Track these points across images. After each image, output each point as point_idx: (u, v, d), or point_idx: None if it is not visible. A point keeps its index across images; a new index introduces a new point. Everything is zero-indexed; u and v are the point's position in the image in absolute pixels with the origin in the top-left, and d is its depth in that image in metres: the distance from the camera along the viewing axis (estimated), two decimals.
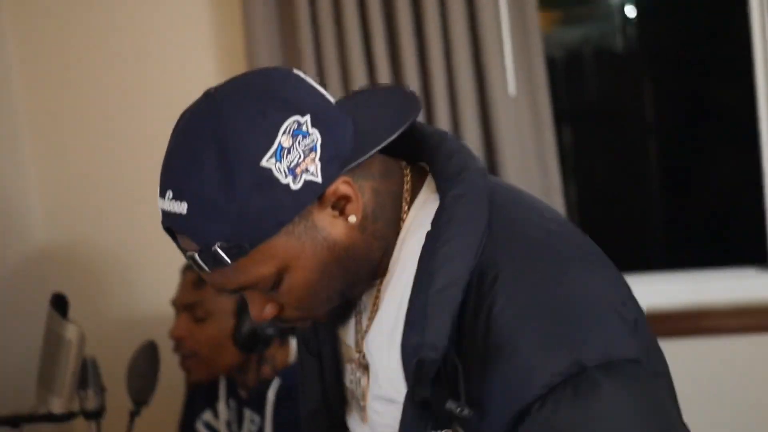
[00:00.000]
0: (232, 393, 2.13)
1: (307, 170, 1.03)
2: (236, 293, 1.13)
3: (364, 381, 1.18)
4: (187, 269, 2.11)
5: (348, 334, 1.23)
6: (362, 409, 1.19)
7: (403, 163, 1.16)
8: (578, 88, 3.16)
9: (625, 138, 3.21)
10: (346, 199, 1.07)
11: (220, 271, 1.07)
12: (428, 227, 1.09)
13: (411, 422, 1.06)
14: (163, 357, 1.93)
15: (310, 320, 1.18)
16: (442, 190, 1.10)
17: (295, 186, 1.03)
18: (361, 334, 1.19)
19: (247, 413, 2.08)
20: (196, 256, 1.07)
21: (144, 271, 2.69)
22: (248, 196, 1.02)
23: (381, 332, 1.13)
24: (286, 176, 1.02)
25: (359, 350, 1.19)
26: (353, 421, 1.25)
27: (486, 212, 1.08)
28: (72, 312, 1.75)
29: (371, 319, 1.16)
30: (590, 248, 1.12)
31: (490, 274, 1.04)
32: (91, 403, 1.80)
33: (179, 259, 2.08)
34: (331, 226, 1.08)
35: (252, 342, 2.02)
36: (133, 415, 1.82)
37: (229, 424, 2.12)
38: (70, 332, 1.72)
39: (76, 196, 2.72)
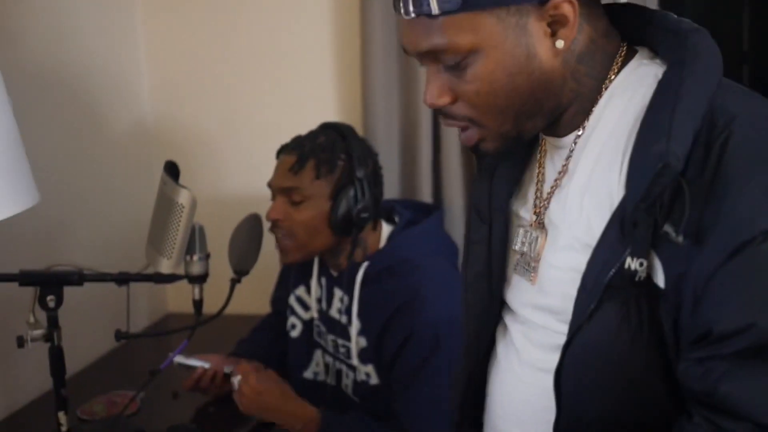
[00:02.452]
0: (324, 272, 2.19)
1: None
2: (423, 60, 1.15)
3: (541, 241, 1.21)
4: (282, 152, 2.16)
5: (523, 205, 1.28)
6: (532, 270, 1.22)
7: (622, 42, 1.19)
8: (678, 11, 3.12)
9: None
10: (563, 21, 1.10)
11: (422, 23, 1.10)
12: (639, 91, 1.12)
13: (609, 247, 1.07)
14: (266, 232, 2.00)
15: (474, 132, 1.17)
16: (676, 37, 1.12)
17: None
18: (540, 200, 1.23)
19: (337, 292, 2.14)
20: None
21: (243, 151, 2.76)
22: None
23: (575, 186, 1.16)
24: None
25: (538, 212, 1.23)
26: (515, 286, 1.28)
27: (721, 66, 1.10)
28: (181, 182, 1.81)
29: (562, 175, 1.20)
30: None
31: (725, 116, 1.04)
32: (196, 268, 1.88)
33: (280, 139, 2.16)
34: (538, 41, 1.10)
35: (346, 226, 2.05)
36: (234, 282, 1.89)
37: (319, 301, 2.19)
38: (183, 197, 1.78)
39: (181, 74, 2.79)
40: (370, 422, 1.98)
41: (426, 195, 2.57)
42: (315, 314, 2.20)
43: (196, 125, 2.79)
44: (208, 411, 2.13)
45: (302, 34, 2.67)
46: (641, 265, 1.04)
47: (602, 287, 1.06)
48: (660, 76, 1.12)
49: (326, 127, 2.14)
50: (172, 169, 1.86)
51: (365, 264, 2.08)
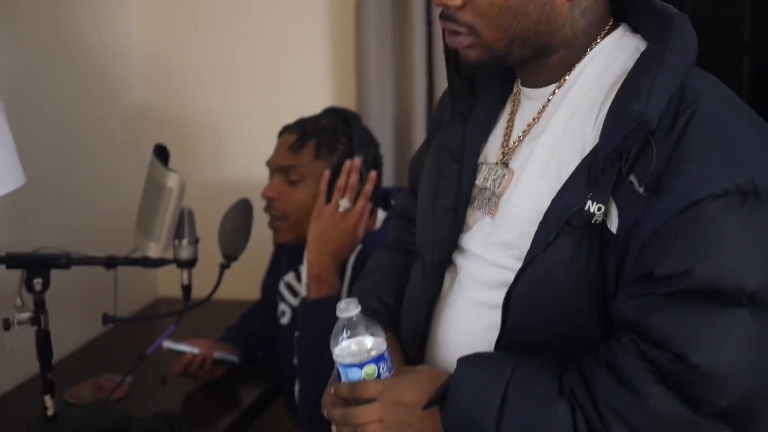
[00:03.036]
0: None
1: None
2: None
3: (507, 178, 1.31)
4: (284, 132, 2.14)
5: (491, 149, 1.38)
6: (494, 205, 1.32)
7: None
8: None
9: (720, 56, 3.15)
10: None
11: None
12: (620, 58, 1.25)
13: (574, 190, 1.19)
14: (256, 217, 1.98)
15: (467, 39, 1.26)
16: (661, 18, 1.24)
17: None
18: (508, 145, 1.34)
19: None
20: None
21: (237, 136, 2.74)
22: None
23: (548, 135, 1.27)
24: None
25: (505, 153, 1.34)
26: (473, 224, 1.36)
27: (695, 52, 1.22)
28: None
29: (532, 125, 1.31)
30: None
31: (694, 93, 1.18)
32: (185, 252, 1.87)
33: (273, 126, 2.14)
34: None
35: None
36: (223, 268, 1.88)
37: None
38: (171, 180, 1.76)
39: (175, 60, 2.77)
40: None
41: None
42: None
43: (188, 111, 2.77)
44: (196, 397, 2.12)
45: (297, 22, 2.65)
46: (599, 209, 1.16)
47: (561, 224, 1.18)
48: (641, 48, 1.24)
49: (331, 111, 2.14)
50: (161, 153, 1.84)
51: (358, 247, 2.06)
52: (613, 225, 1.16)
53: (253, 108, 2.71)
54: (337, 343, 1.28)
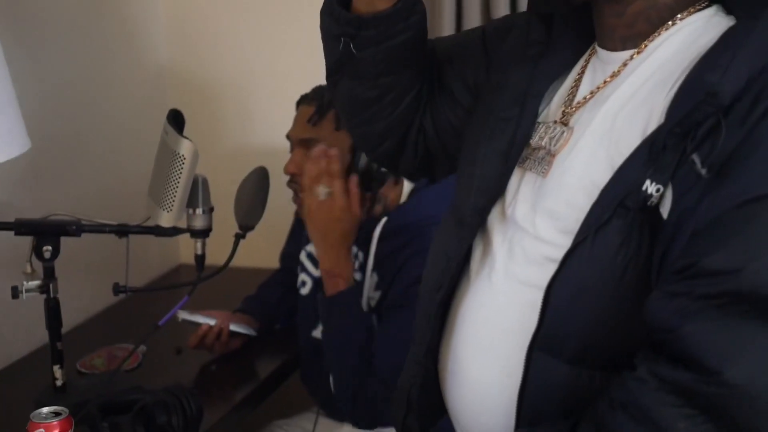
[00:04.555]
0: None
1: None
2: None
3: (566, 137, 1.20)
4: (301, 103, 2.08)
5: (552, 104, 1.28)
6: (548, 164, 1.21)
7: None
8: None
9: None
10: None
11: None
12: (708, 34, 1.13)
13: (633, 167, 1.08)
14: (273, 186, 1.92)
15: None
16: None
17: None
18: (571, 104, 1.23)
19: (352, 248, 2.07)
20: None
21: (263, 99, 2.67)
22: None
23: (616, 100, 1.16)
24: None
25: (566, 112, 1.23)
26: (523, 176, 1.25)
27: None
28: (188, 133, 1.74)
29: (601, 88, 1.20)
30: None
31: None
32: (199, 222, 1.81)
33: (301, 89, 2.08)
34: None
35: (367, 180, 1.99)
36: (238, 238, 1.83)
37: (324, 283, 2.11)
38: (184, 148, 1.70)
39: (200, 19, 2.70)
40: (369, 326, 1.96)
41: None
42: None
43: (213, 72, 2.72)
44: (210, 369, 2.07)
45: None
46: (657, 191, 1.05)
47: (615, 204, 1.07)
48: None
49: None
50: (176, 118, 1.78)
51: (384, 220, 2.01)
52: (665, 209, 1.05)
53: (281, 70, 2.64)
54: None
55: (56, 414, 1.44)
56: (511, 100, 1.28)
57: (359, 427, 1.98)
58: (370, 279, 2.02)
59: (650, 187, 1.05)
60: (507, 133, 1.27)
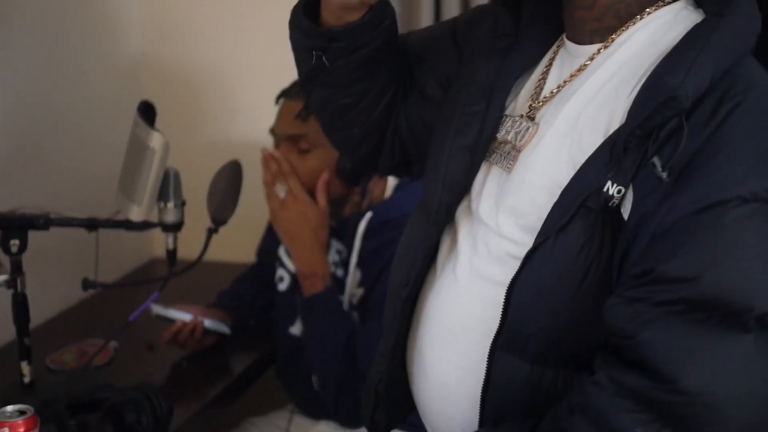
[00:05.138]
0: None
1: None
2: None
3: (531, 132, 1.19)
4: (284, 97, 2.05)
5: (519, 98, 1.27)
6: (513, 159, 1.20)
7: None
8: None
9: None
10: None
11: None
12: (675, 30, 1.11)
13: (595, 168, 1.07)
14: (248, 180, 1.90)
15: None
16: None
17: None
18: (538, 98, 1.22)
19: (335, 243, 2.05)
20: None
21: (241, 92, 2.64)
22: None
23: (580, 97, 1.15)
24: None
25: (532, 106, 1.22)
26: (489, 171, 1.25)
27: (755, 35, 1.10)
28: (162, 126, 1.72)
29: (568, 83, 1.19)
30: None
31: (745, 82, 1.05)
32: (170, 216, 1.79)
33: (280, 82, 2.05)
34: None
35: (356, 175, 1.98)
36: (211, 232, 1.81)
37: (302, 285, 2.09)
38: (155, 141, 1.68)
39: (175, 9, 2.66)
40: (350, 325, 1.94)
41: None
42: None
43: (189, 64, 2.67)
44: (182, 366, 2.04)
45: None
46: (618, 192, 1.05)
47: (577, 205, 1.07)
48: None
49: None
50: (147, 111, 1.75)
51: (368, 215, 1.99)
52: (626, 211, 1.05)
53: (257, 63, 2.60)
54: None
55: (21, 413, 1.42)
56: (478, 94, 1.27)
57: (345, 426, 1.97)
58: (353, 275, 1.99)
59: (611, 189, 1.05)
60: (473, 128, 1.26)
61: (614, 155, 1.05)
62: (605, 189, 1.05)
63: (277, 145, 2.04)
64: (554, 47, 1.26)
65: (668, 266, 1.00)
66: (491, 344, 1.15)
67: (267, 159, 1.98)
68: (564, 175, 1.11)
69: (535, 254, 1.10)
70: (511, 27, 1.28)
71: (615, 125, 1.09)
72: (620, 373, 1.01)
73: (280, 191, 1.93)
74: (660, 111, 1.02)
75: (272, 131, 2.05)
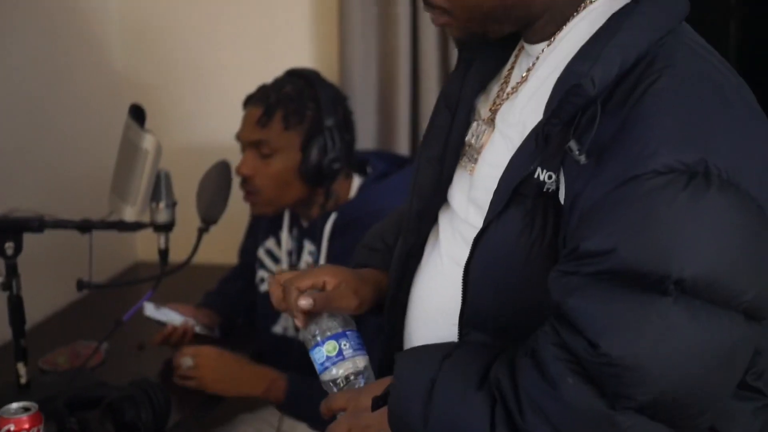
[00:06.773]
0: (295, 223, 2.15)
1: None
2: None
3: (486, 135, 1.27)
4: (248, 103, 2.09)
5: (485, 102, 1.32)
6: (474, 161, 1.28)
7: None
8: None
9: (705, 21, 3.10)
10: None
11: None
12: (603, 22, 1.15)
13: (523, 156, 1.15)
14: (235, 180, 1.93)
15: (444, 18, 1.23)
16: None
17: None
18: (500, 99, 1.28)
19: (307, 244, 2.10)
20: None
21: (218, 97, 2.68)
22: None
23: (525, 92, 1.22)
24: None
25: (492, 109, 1.28)
26: (459, 174, 1.32)
27: (679, 16, 1.15)
28: (150, 129, 1.75)
29: (523, 80, 1.24)
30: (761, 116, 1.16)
31: (664, 62, 1.08)
32: (162, 216, 1.82)
33: (250, 87, 2.08)
34: None
35: (318, 176, 2.02)
36: (202, 232, 1.84)
37: (290, 254, 2.13)
38: (147, 142, 1.71)
39: (154, 19, 2.70)
40: None
41: (403, 146, 2.51)
42: (285, 267, 2.14)
43: (169, 71, 2.71)
44: (174, 365, 2.06)
45: None
46: (550, 177, 1.11)
47: (509, 192, 1.14)
48: None
49: (292, 75, 2.09)
50: (137, 113, 1.79)
51: (333, 215, 2.04)
52: (562, 195, 1.11)
53: (235, 68, 2.64)
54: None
55: (25, 409, 1.45)
56: (444, 107, 1.35)
57: None
58: None
59: (542, 175, 1.12)
60: (440, 139, 1.34)
61: (539, 143, 1.12)
62: (536, 175, 1.12)
63: (242, 149, 2.08)
64: (516, 50, 1.32)
65: (588, 242, 1.05)
66: (458, 321, 1.23)
67: (165, 335, 2.11)
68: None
69: (482, 238, 1.18)
70: (471, 52, 1.34)
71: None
72: (562, 328, 1.07)
73: (186, 363, 1.93)
74: (568, 99, 1.07)
75: (237, 137, 2.09)
